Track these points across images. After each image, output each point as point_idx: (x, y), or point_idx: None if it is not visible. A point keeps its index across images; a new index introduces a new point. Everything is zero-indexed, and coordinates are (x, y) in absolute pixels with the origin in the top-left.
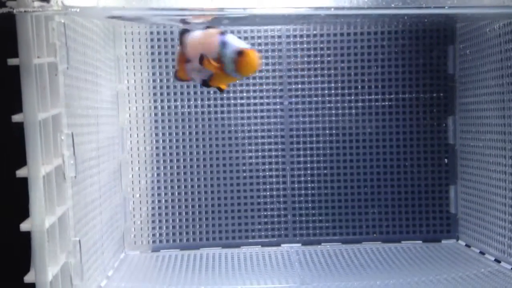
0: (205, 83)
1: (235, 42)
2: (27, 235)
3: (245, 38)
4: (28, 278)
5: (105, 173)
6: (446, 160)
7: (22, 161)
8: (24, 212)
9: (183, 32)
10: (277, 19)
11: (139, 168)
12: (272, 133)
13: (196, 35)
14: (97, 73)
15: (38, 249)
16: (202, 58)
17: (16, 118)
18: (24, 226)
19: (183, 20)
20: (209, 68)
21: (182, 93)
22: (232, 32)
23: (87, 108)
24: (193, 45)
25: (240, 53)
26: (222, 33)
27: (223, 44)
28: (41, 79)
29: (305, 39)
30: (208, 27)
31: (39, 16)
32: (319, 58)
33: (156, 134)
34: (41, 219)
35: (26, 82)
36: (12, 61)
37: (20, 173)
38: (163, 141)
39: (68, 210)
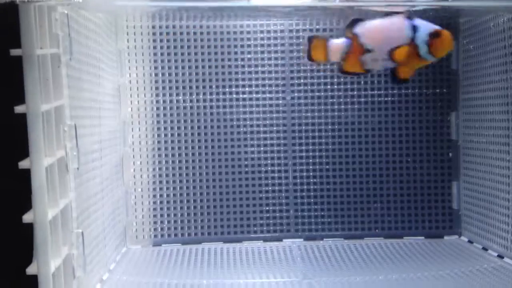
0: (395, 77)
1: (425, 24)
2: (30, 226)
3: (247, 33)
4: (31, 270)
5: (107, 167)
6: (450, 154)
7: (24, 153)
8: (26, 204)
9: (354, 22)
10: (281, 11)
11: (141, 162)
12: (275, 128)
13: (375, 24)
14: (99, 65)
15: (41, 241)
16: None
17: (18, 109)
18: (26, 218)
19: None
20: (401, 56)
21: (184, 87)
22: (235, 26)
23: (89, 100)
24: (374, 34)
25: (435, 34)
26: (409, 18)
27: (414, 28)
28: (44, 70)
29: (308, 33)
30: (387, 14)
31: (42, 6)
32: None
33: (158, 128)
34: (43, 211)
35: (28, 73)
36: (14, 52)
37: (23, 164)
38: (165, 135)
39: (71, 202)
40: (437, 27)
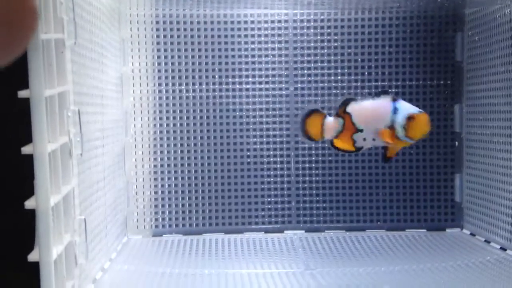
0: (384, 155)
1: (406, 107)
2: (32, 213)
3: (251, 22)
4: (32, 257)
5: (109, 156)
6: (456, 143)
7: (27, 140)
8: (29, 190)
9: (348, 101)
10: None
11: (142, 152)
12: (277, 119)
13: (366, 105)
14: (102, 53)
15: (43, 227)
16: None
17: (22, 94)
18: (29, 204)
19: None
20: (385, 138)
21: (187, 77)
22: (238, 15)
23: (92, 87)
24: (364, 115)
25: (410, 118)
26: (395, 100)
27: (395, 110)
28: (48, 55)
29: (312, 24)
30: (376, 94)
31: None
32: (326, 44)
33: (160, 118)
34: (46, 197)
35: (32, 58)
36: None
37: (26, 150)
38: (167, 125)
39: (74, 188)
40: (415, 110)
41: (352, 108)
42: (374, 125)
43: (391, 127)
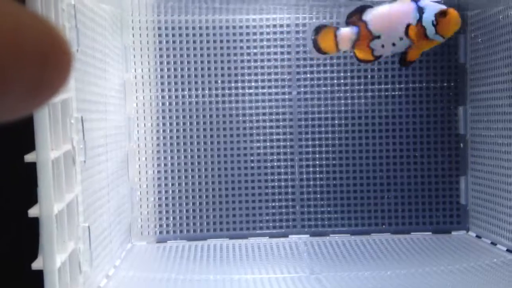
0: (403, 59)
1: (432, 5)
2: (35, 221)
3: (253, 27)
4: (36, 265)
5: (113, 162)
6: (461, 144)
7: (30, 147)
8: (32, 198)
9: (362, 8)
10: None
11: (146, 158)
12: (280, 123)
13: (383, 10)
14: (105, 60)
15: (47, 235)
16: (407, 28)
17: None
18: (32, 212)
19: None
20: (412, 35)
21: (189, 83)
22: (240, 20)
23: (95, 94)
24: (381, 20)
25: (442, 13)
26: (415, 0)
27: (421, 10)
28: None
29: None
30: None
31: None
32: None
33: (164, 124)
34: (49, 205)
35: None
36: None
37: (29, 157)
38: (170, 131)
39: (77, 196)
40: (443, 7)
41: (367, 15)
42: (393, 29)
43: (417, 27)
